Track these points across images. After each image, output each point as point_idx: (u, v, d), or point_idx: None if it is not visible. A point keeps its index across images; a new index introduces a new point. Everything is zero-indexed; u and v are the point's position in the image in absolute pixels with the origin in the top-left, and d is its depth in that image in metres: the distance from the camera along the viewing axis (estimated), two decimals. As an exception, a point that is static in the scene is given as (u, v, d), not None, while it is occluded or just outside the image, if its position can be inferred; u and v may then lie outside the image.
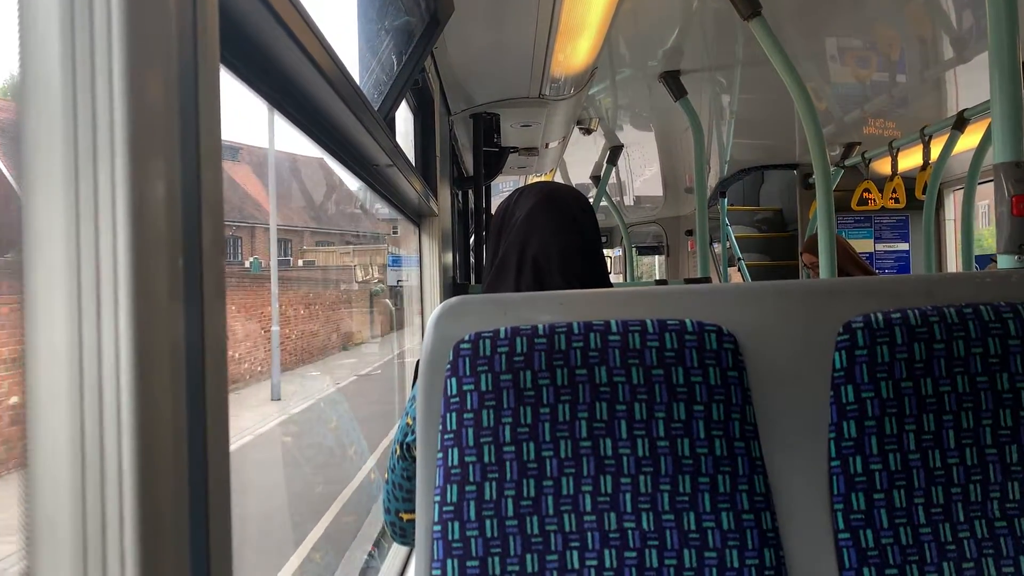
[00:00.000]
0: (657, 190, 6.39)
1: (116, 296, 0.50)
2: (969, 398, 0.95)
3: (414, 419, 1.20)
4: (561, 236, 1.31)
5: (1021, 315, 0.95)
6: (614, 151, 5.23)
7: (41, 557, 0.50)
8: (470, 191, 3.90)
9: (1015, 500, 0.94)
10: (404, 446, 1.23)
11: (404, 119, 2.62)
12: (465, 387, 0.94)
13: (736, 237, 6.29)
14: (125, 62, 0.50)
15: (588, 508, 0.93)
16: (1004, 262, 1.76)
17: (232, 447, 0.62)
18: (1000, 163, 1.75)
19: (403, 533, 1.31)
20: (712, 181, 5.84)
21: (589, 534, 0.93)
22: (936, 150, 3.86)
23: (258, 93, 1.02)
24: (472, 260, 4.20)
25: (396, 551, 2.46)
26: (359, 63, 1.89)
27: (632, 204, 7.03)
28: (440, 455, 0.95)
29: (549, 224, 1.32)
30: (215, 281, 0.60)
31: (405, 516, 1.28)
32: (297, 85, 1.11)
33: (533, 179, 5.26)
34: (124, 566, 0.50)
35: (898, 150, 4.15)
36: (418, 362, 0.99)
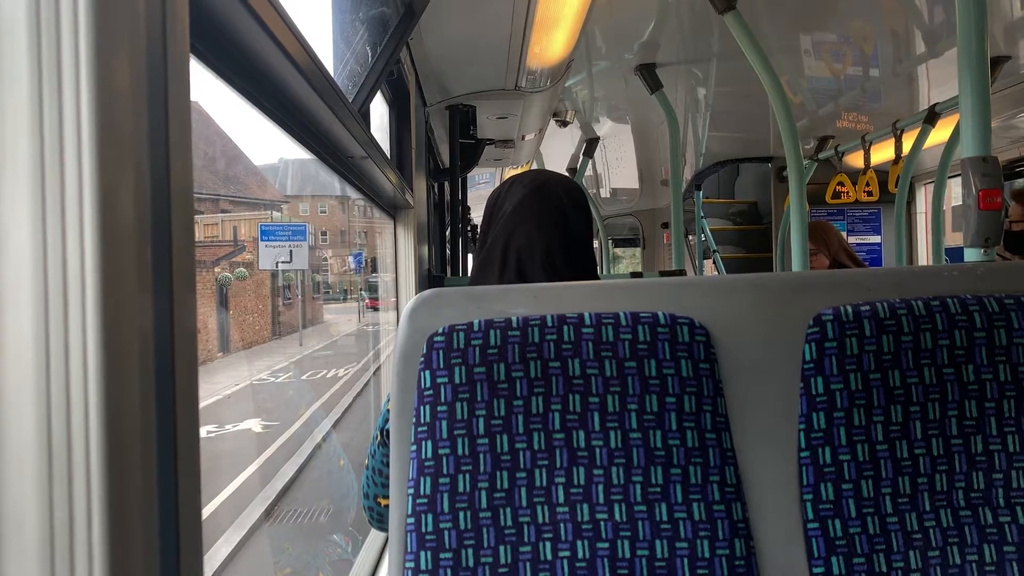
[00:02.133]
0: (633, 183, 6.41)
1: (83, 288, 0.49)
2: (936, 390, 0.96)
3: None
4: (547, 231, 1.29)
5: (986, 308, 0.97)
6: (590, 143, 5.25)
7: (8, 556, 0.49)
8: (446, 183, 3.89)
9: (979, 490, 0.96)
10: (384, 432, 1.24)
11: (379, 111, 2.61)
12: (439, 380, 0.95)
13: (711, 230, 6.33)
14: (92, 51, 0.49)
15: (561, 500, 0.94)
16: (970, 255, 1.78)
17: None
18: (967, 158, 1.77)
19: (380, 519, 1.31)
20: (688, 174, 5.87)
21: (562, 525, 0.93)
22: (908, 144, 3.91)
23: (229, 83, 1.01)
24: (448, 252, 4.19)
25: (371, 543, 2.46)
26: (333, 54, 1.88)
27: (608, 196, 7.05)
28: (414, 447, 0.95)
29: (535, 218, 1.31)
30: (185, 273, 0.59)
31: (383, 502, 1.28)
32: (269, 76, 1.10)
33: (510, 171, 5.26)
34: (92, 561, 0.49)
35: (871, 144, 4.19)
36: None
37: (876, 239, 5.78)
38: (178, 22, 0.59)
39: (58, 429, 0.49)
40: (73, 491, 0.49)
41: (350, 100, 1.52)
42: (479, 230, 1.42)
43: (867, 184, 4.35)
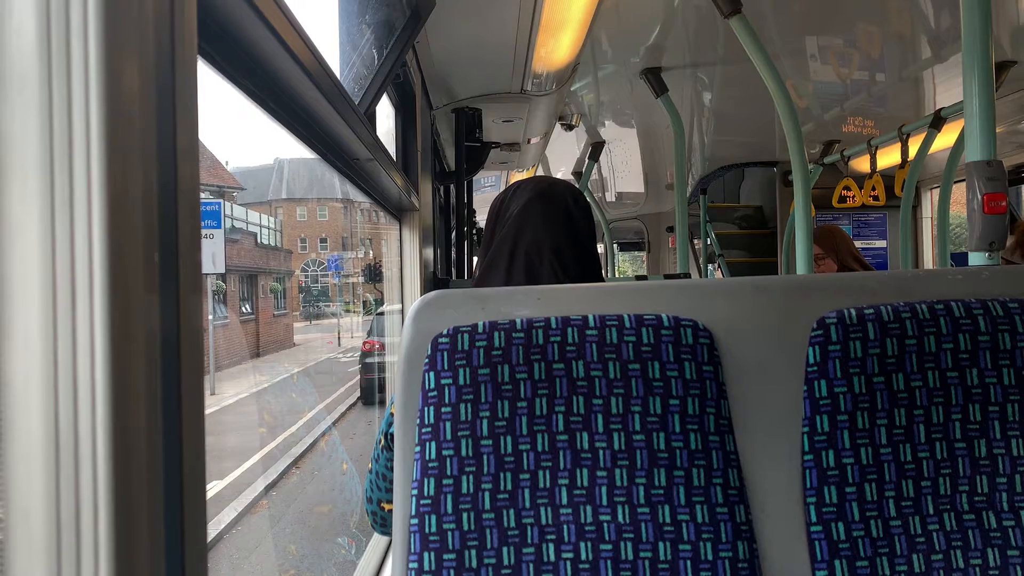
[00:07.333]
0: (639, 187, 6.40)
1: (91, 290, 0.50)
2: (939, 393, 0.96)
3: None
4: (553, 232, 1.32)
5: (991, 311, 0.97)
6: (596, 147, 5.24)
7: (15, 549, 0.50)
8: (452, 186, 3.90)
9: (983, 493, 0.96)
10: (388, 436, 1.24)
11: (386, 114, 2.62)
12: (443, 381, 0.95)
13: (717, 234, 6.32)
14: (101, 53, 0.50)
15: (564, 501, 0.94)
16: (975, 259, 1.78)
17: None
18: (972, 162, 1.77)
19: (383, 523, 1.31)
20: (693, 178, 5.87)
21: (565, 527, 0.93)
22: (914, 148, 3.90)
23: (236, 85, 1.01)
24: (454, 255, 4.20)
25: (374, 545, 2.47)
26: (339, 57, 1.88)
27: (614, 200, 7.05)
28: (417, 448, 0.95)
29: (542, 219, 1.34)
30: (191, 276, 0.60)
31: (386, 506, 1.29)
32: (276, 78, 1.11)
33: (515, 174, 5.27)
34: (98, 557, 0.50)
35: (876, 148, 4.18)
36: None
37: (882, 243, 5.76)
38: (186, 24, 0.60)
39: (65, 425, 0.50)
40: (80, 486, 0.50)
41: (356, 103, 1.53)
42: (483, 234, 1.44)
43: (873, 188, 4.34)
